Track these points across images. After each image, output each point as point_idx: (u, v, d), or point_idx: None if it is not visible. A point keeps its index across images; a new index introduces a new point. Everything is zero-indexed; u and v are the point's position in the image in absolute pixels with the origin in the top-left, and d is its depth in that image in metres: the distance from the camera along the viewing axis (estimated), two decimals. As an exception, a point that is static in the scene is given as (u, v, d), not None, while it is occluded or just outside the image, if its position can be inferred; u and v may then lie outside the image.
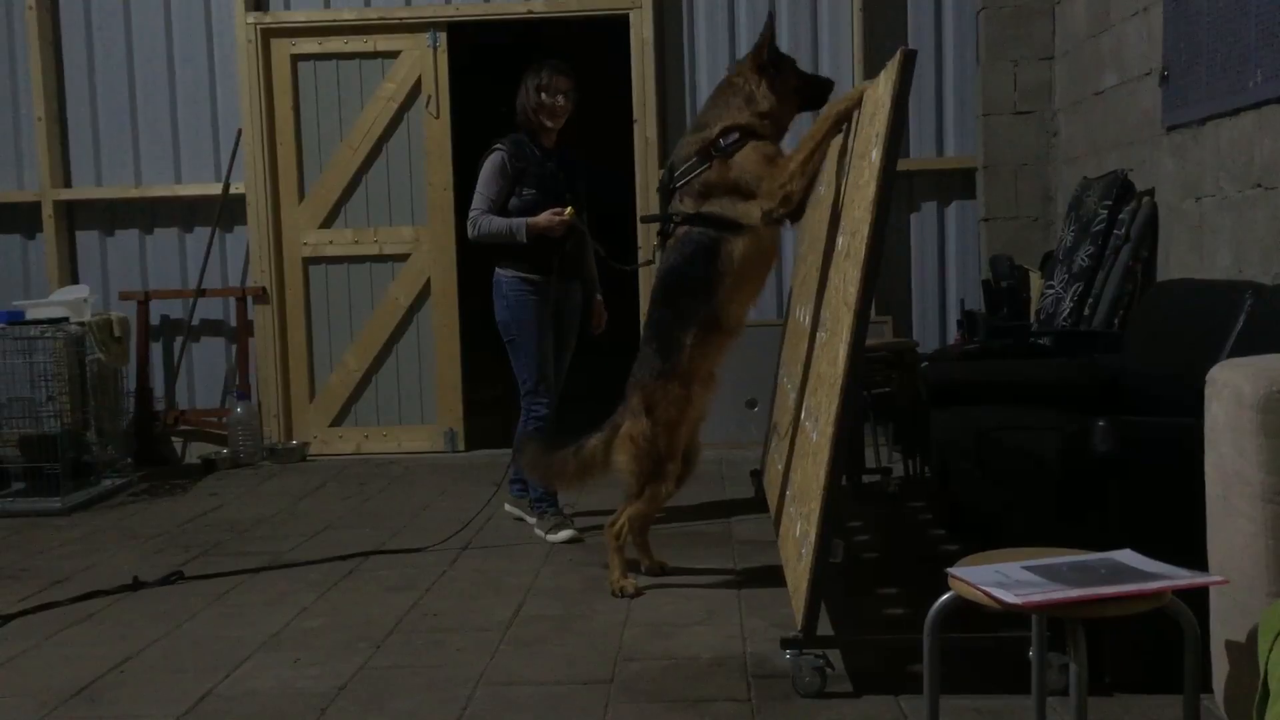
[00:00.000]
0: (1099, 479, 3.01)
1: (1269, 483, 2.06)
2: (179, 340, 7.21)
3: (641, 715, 3.03)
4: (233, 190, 7.03)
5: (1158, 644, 2.66)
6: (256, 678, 3.39)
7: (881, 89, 3.26)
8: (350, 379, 7.14)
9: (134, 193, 7.14)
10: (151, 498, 6.11)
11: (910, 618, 3.68)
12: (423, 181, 7.05)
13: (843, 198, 3.70)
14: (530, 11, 6.95)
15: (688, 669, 3.35)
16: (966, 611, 2.32)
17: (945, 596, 2.32)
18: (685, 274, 4.06)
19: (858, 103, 3.76)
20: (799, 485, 3.68)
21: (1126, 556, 2.32)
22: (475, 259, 5.51)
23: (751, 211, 3.96)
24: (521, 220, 4.82)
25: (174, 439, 7.24)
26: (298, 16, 7.01)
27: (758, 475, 5.48)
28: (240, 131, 7.00)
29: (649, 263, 5.15)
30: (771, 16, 4.33)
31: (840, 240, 3.59)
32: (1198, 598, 2.23)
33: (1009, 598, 2.12)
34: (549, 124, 4.93)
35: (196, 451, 7.12)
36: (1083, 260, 5.16)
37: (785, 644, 3.17)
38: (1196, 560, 2.28)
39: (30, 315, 5.92)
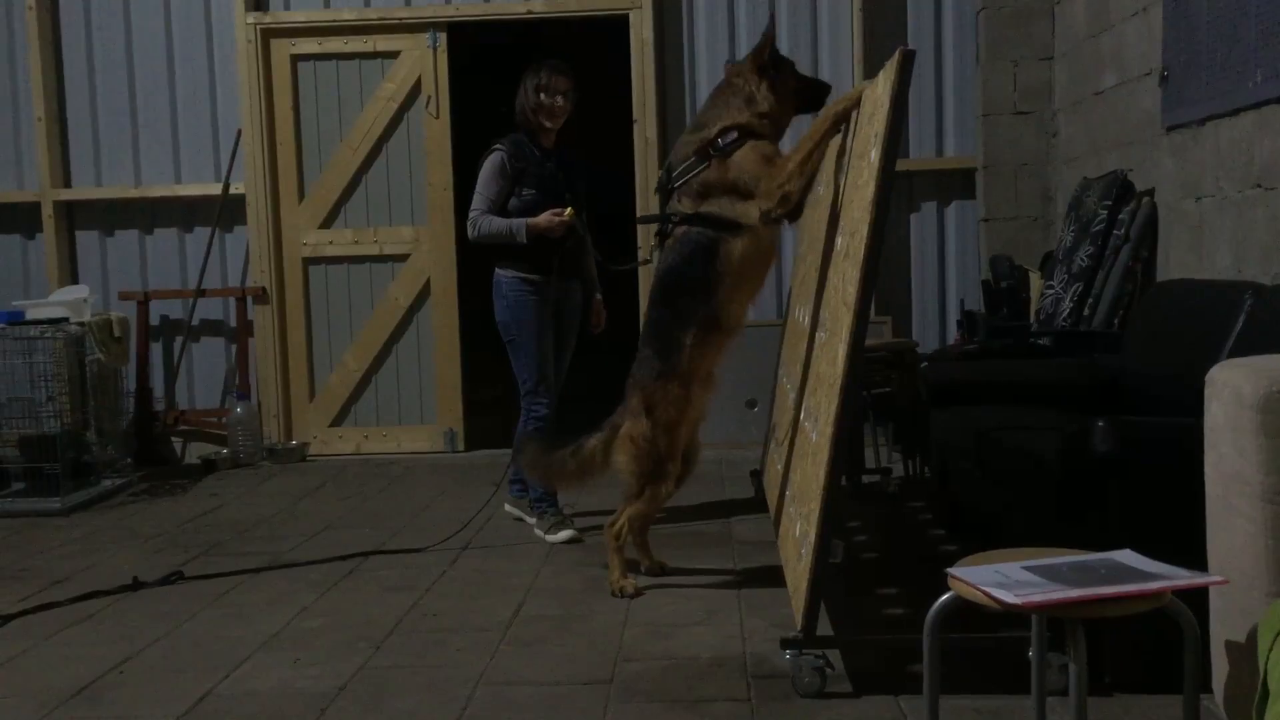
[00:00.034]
0: (1099, 479, 3.01)
1: (1269, 483, 2.06)
2: (179, 340, 7.21)
3: (641, 715, 3.03)
4: (232, 190, 7.04)
5: (1158, 644, 2.66)
6: (256, 678, 3.39)
7: (880, 89, 3.26)
8: (350, 379, 7.14)
9: (134, 193, 7.14)
10: (151, 498, 6.11)
11: (910, 618, 3.68)
12: (423, 182, 7.05)
13: (842, 198, 3.70)
14: (530, 12, 6.95)
15: (687, 669, 3.35)
16: (966, 611, 2.32)
17: (945, 597, 2.32)
18: (684, 274, 4.06)
19: (856, 103, 3.76)
20: (799, 485, 3.68)
21: (1126, 557, 2.32)
22: (475, 259, 5.51)
23: (750, 211, 3.96)
24: (521, 221, 4.83)
25: (174, 439, 7.24)
26: (297, 17, 7.01)
27: (757, 475, 5.48)
28: (240, 132, 7.00)
29: (646, 262, 5.15)
30: (773, 19, 4.33)
31: (839, 240, 3.59)
32: (1197, 598, 2.23)
33: (1009, 598, 2.12)
34: (548, 124, 4.93)
35: (196, 452, 7.12)
36: (1082, 260, 5.16)
37: (785, 644, 3.17)
38: (1196, 560, 2.28)
39: (30, 315, 5.92)
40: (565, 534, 4.88)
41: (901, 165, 6.36)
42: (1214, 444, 2.23)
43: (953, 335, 6.69)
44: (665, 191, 4.22)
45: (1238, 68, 4.16)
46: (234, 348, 7.18)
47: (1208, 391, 2.25)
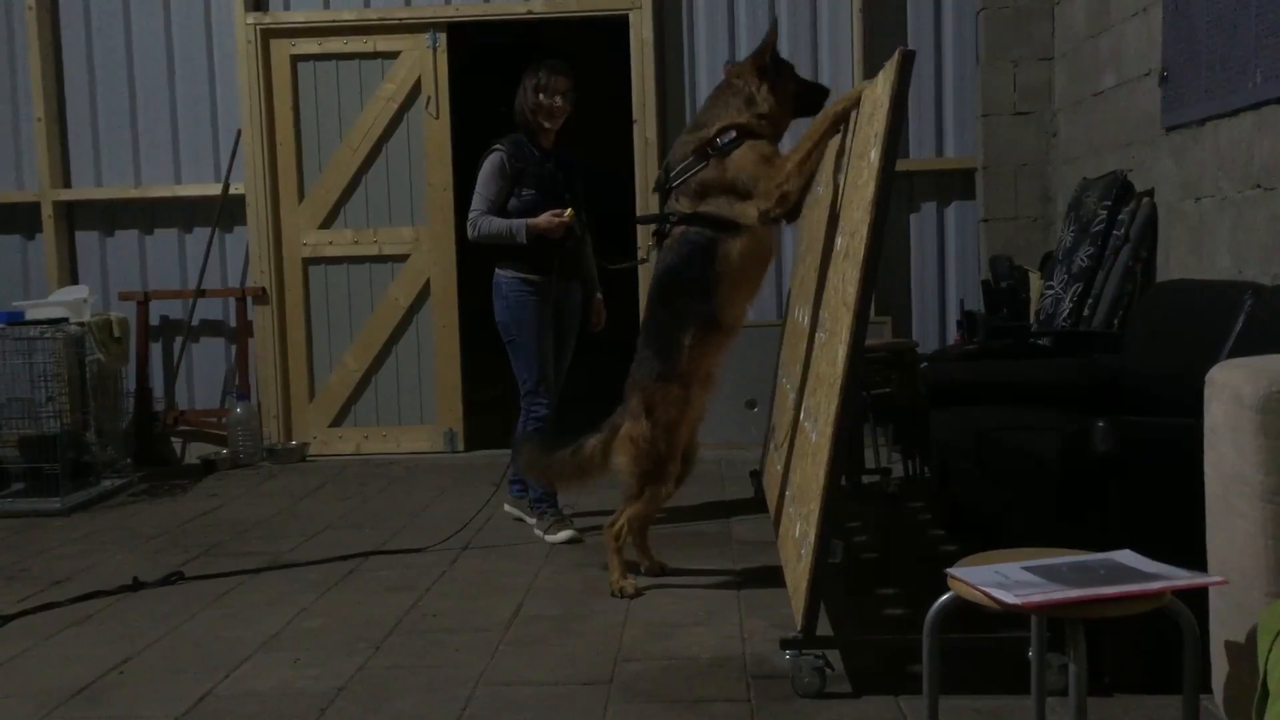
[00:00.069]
0: (1099, 479, 3.01)
1: (1268, 483, 2.06)
2: (179, 341, 7.21)
3: (641, 715, 3.03)
4: (232, 191, 7.04)
5: (1158, 644, 2.66)
6: (256, 678, 3.39)
7: (880, 89, 3.26)
8: (350, 379, 7.14)
9: (134, 193, 7.14)
10: (151, 498, 6.11)
11: (910, 618, 3.68)
12: (422, 182, 7.05)
13: (841, 198, 3.70)
14: (530, 12, 6.95)
15: (687, 669, 3.35)
16: (966, 612, 2.32)
17: (945, 597, 2.32)
18: (682, 274, 4.06)
19: (856, 103, 3.76)
20: (798, 485, 3.68)
21: (1126, 557, 2.32)
22: (475, 259, 5.51)
23: (748, 211, 3.95)
24: (521, 221, 4.83)
25: (173, 439, 7.24)
26: (297, 17, 7.02)
27: (757, 475, 5.49)
28: (240, 132, 7.00)
29: (643, 261, 5.15)
30: (775, 23, 4.34)
31: (839, 240, 3.59)
32: (1197, 598, 2.23)
33: (1008, 598, 2.12)
34: (547, 125, 4.93)
35: (196, 452, 7.12)
36: (1082, 261, 5.16)
37: (785, 644, 3.17)
38: (1196, 560, 2.28)
39: (30, 316, 5.92)
40: (565, 534, 4.88)
41: (901, 165, 6.36)
42: (1214, 444, 2.23)
43: (952, 335, 6.69)
44: (663, 191, 4.22)
45: (1237, 68, 4.16)
46: (234, 348, 7.18)
47: (1207, 392, 2.25)
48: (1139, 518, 2.93)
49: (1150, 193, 5.04)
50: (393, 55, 7.01)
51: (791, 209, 3.99)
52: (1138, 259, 5.01)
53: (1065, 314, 5.15)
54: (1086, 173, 5.77)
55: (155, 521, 5.54)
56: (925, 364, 5.40)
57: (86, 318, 6.08)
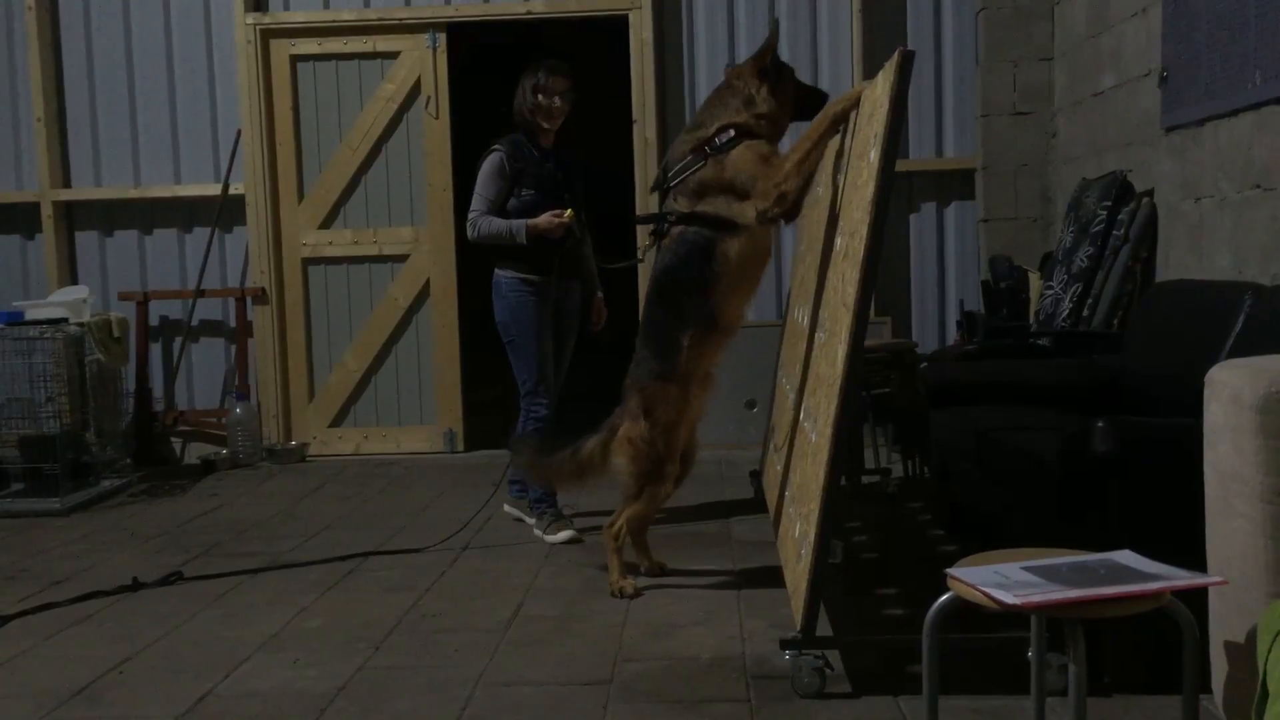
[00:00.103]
0: (1099, 479, 3.01)
1: (1268, 483, 2.06)
2: (178, 341, 7.21)
3: (640, 715, 3.03)
4: (232, 191, 7.04)
5: (1157, 645, 2.66)
6: (256, 678, 3.39)
7: (880, 89, 3.26)
8: (349, 379, 7.14)
9: (133, 193, 7.14)
10: (151, 498, 6.10)
11: (909, 618, 3.68)
12: (422, 182, 7.05)
13: (841, 198, 3.70)
14: (530, 12, 6.95)
15: (687, 669, 3.35)
16: (966, 612, 2.32)
17: (944, 597, 2.32)
18: (681, 274, 4.05)
19: (855, 103, 3.76)
20: (798, 486, 3.68)
21: (1125, 557, 2.32)
22: (475, 259, 5.51)
23: (746, 211, 3.95)
24: (521, 222, 4.82)
25: (173, 439, 7.24)
26: (297, 17, 7.02)
27: (757, 476, 5.48)
28: (240, 132, 7.00)
29: (640, 261, 5.15)
30: (776, 25, 4.34)
31: (839, 241, 3.59)
32: (1197, 598, 2.23)
33: (1008, 598, 2.12)
34: (546, 125, 4.93)
35: (196, 452, 7.12)
36: (1082, 261, 5.16)
37: (784, 644, 3.17)
38: (1196, 561, 2.28)
39: (30, 316, 5.92)
40: (565, 534, 4.88)
41: (901, 166, 6.36)
42: (1213, 444, 2.23)
43: (952, 336, 6.69)
44: (661, 190, 4.22)
45: (1237, 68, 4.16)
46: (233, 348, 7.18)
47: (1207, 392, 2.25)
48: (1139, 518, 2.93)
49: (1150, 193, 5.04)
50: (392, 55, 7.01)
51: (790, 209, 3.98)
52: (1137, 259, 5.01)
53: (1065, 314, 5.15)
54: (1086, 173, 5.77)
55: (155, 522, 5.53)
56: (925, 364, 5.40)
57: (86, 318, 6.08)
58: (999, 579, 2.22)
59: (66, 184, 7.18)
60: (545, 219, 4.79)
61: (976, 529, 4.06)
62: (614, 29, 6.95)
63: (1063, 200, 6.13)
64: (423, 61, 6.98)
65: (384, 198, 7.08)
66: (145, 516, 5.66)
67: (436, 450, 7.12)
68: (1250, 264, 4.15)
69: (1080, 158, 6.01)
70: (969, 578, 2.24)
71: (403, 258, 7.09)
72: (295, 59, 7.04)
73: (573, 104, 4.98)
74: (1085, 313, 5.08)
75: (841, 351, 3.14)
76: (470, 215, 4.94)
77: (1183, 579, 2.17)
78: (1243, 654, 2.11)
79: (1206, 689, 2.30)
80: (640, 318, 4.33)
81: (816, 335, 3.82)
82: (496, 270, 4.98)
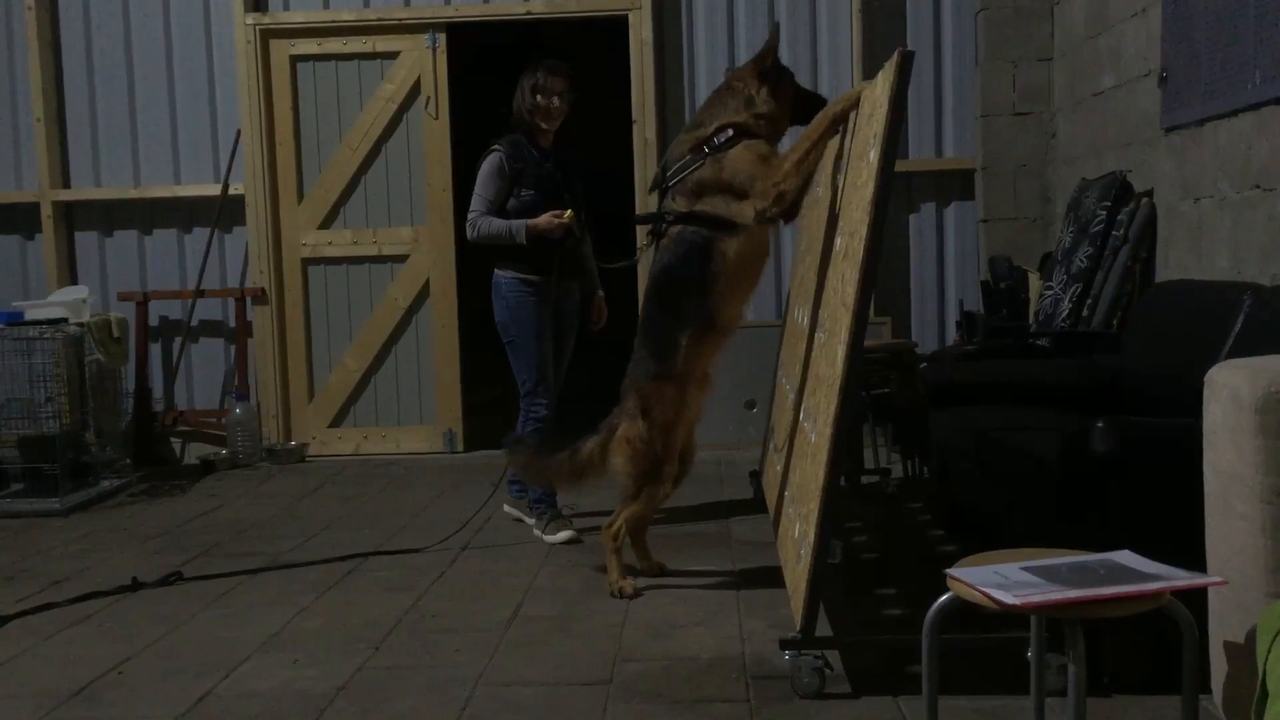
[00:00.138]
0: (1098, 479, 3.01)
1: (1267, 483, 2.06)
2: (178, 341, 7.21)
3: (640, 716, 3.03)
4: (232, 191, 7.04)
5: (1157, 645, 2.66)
6: (255, 678, 3.39)
7: (879, 89, 3.26)
8: (349, 380, 7.14)
9: (133, 193, 7.14)
10: (150, 498, 6.10)
11: (909, 618, 3.67)
12: (422, 182, 7.05)
13: (841, 199, 3.70)
14: (529, 12, 6.96)
15: (686, 669, 3.35)
16: (965, 612, 2.32)
17: (944, 597, 2.32)
18: (679, 274, 4.05)
19: (855, 104, 3.75)
20: (798, 486, 3.68)
21: (1125, 557, 2.32)
22: (474, 259, 5.51)
23: (745, 210, 3.94)
24: (521, 222, 4.82)
25: (173, 440, 7.24)
26: (297, 17, 7.02)
27: (756, 476, 5.48)
28: (239, 132, 7.00)
29: (636, 260, 5.15)
30: (777, 27, 4.34)
31: (838, 241, 3.59)
32: (1196, 598, 2.23)
33: (1007, 598, 2.12)
34: (544, 125, 4.93)
35: (195, 452, 7.12)
36: (1081, 261, 5.17)
37: (784, 644, 3.17)
38: (1195, 561, 2.28)
39: (29, 316, 5.92)
40: (564, 534, 4.88)
41: (900, 166, 6.37)
42: (1213, 444, 2.23)
43: (952, 336, 6.69)
44: (660, 190, 4.22)
45: (1236, 69, 4.16)
46: (233, 348, 7.18)
47: (1207, 392, 2.25)
48: (1138, 518, 2.93)
49: (1149, 193, 5.04)
50: (392, 56, 7.01)
51: (788, 208, 3.97)
52: (1137, 259, 5.01)
53: (1064, 314, 5.15)
54: (1086, 173, 5.77)
55: (154, 522, 5.53)
56: (924, 364, 5.40)
57: (86, 318, 6.08)
58: (999, 579, 2.22)
59: (66, 184, 7.18)
60: (545, 219, 4.79)
61: (976, 529, 4.06)
62: (614, 29, 6.95)
63: (1062, 200, 6.13)
64: (422, 62, 6.98)
65: (384, 198, 7.08)
66: (145, 517, 5.66)
67: (436, 450, 7.12)
68: (1249, 264, 4.15)
69: (1080, 158, 6.01)
70: (969, 578, 2.24)
71: (402, 258, 7.09)
72: (295, 59, 7.04)
73: (572, 104, 4.98)
74: (1085, 313, 5.08)
75: (841, 352, 3.14)
76: (470, 215, 4.94)
77: (1182, 579, 2.17)
78: (1242, 654, 2.11)
79: (1206, 689, 2.30)
80: (639, 318, 4.32)
81: (816, 335, 3.82)
82: (496, 270, 4.98)
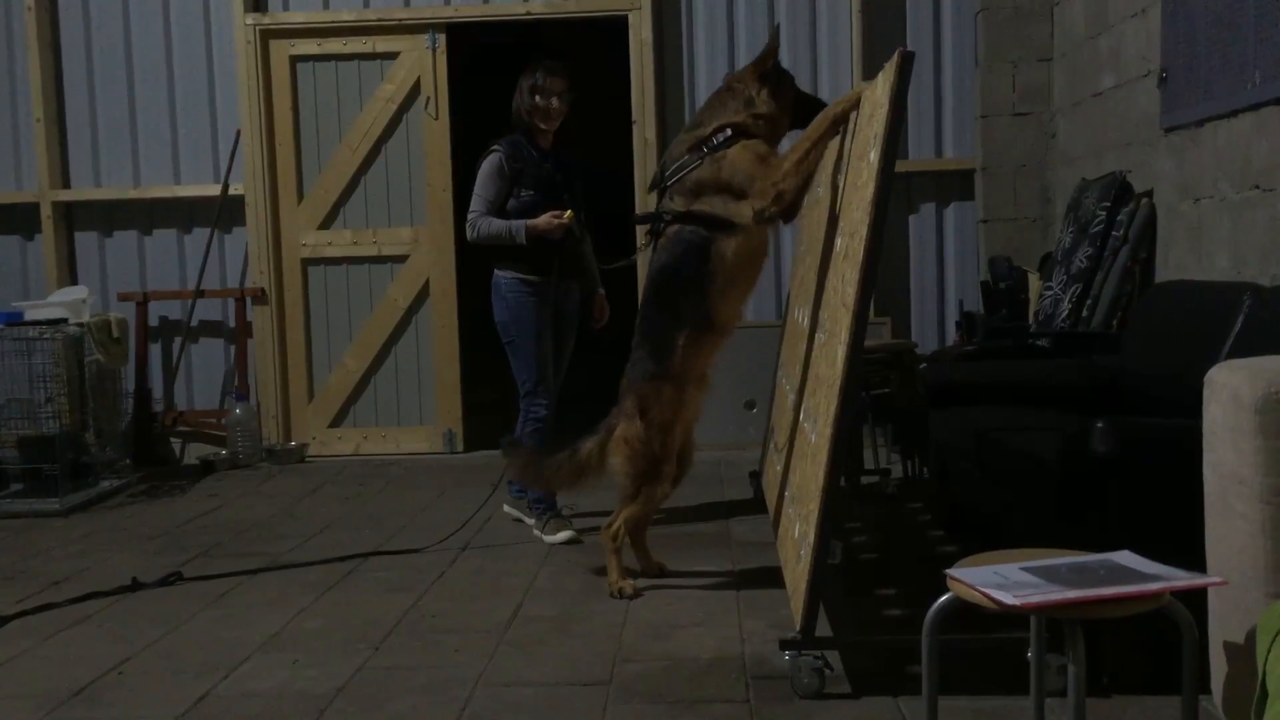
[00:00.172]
0: (1098, 480, 3.01)
1: (1267, 484, 2.06)
2: (178, 341, 7.21)
3: (640, 716, 3.03)
4: (231, 191, 7.04)
5: (1157, 645, 2.66)
6: (255, 679, 3.39)
7: (880, 90, 3.26)
8: (349, 380, 7.14)
9: (133, 194, 7.14)
10: (150, 499, 6.10)
11: (909, 619, 3.68)
12: (422, 182, 7.05)
13: (841, 199, 3.70)
14: (529, 13, 6.96)
15: (686, 670, 3.35)
16: (965, 612, 2.32)
17: (944, 597, 2.32)
18: (676, 274, 4.05)
19: (855, 104, 3.75)
20: (798, 486, 3.68)
21: (1125, 558, 2.32)
22: (474, 260, 5.51)
23: (743, 210, 3.93)
24: (521, 222, 4.82)
25: (173, 440, 7.24)
26: (296, 18, 7.02)
27: (756, 476, 5.49)
28: (239, 132, 7.00)
29: (634, 260, 5.15)
30: (777, 29, 4.34)
31: (839, 241, 3.60)
32: (1196, 599, 2.23)
33: (1007, 599, 2.12)
34: (543, 126, 4.93)
35: (195, 452, 7.12)
36: (1081, 261, 5.17)
37: (784, 645, 3.17)
38: (1195, 561, 2.28)
39: (29, 316, 5.92)
40: (564, 535, 4.88)
41: (900, 166, 6.36)
42: (1213, 445, 2.23)
43: (952, 336, 6.69)
44: (659, 190, 4.21)
45: (1236, 69, 4.16)
46: (233, 348, 7.18)
47: (1206, 393, 2.25)
48: (1138, 518, 2.93)
49: (1149, 193, 5.04)
50: (392, 56, 7.02)
51: (787, 208, 3.96)
52: (1136, 260, 5.01)
53: (1064, 315, 5.15)
54: (1085, 173, 5.77)
55: (154, 522, 5.53)
56: (924, 364, 5.40)
57: (85, 318, 6.08)
58: (998, 579, 2.22)
59: (66, 184, 7.18)
60: (545, 219, 4.79)
61: (976, 529, 4.06)
62: (614, 29, 6.95)
63: (1062, 201, 6.13)
64: (422, 62, 6.98)
65: (383, 198, 7.08)
66: (145, 517, 5.66)
67: (436, 451, 7.12)
68: (1249, 264, 4.15)
69: (1079, 158, 6.01)
70: (968, 578, 2.24)
71: (402, 258, 7.09)
72: (295, 59, 7.04)
73: (571, 105, 4.98)
74: (1084, 313, 5.09)
75: (841, 352, 3.14)
76: (470, 216, 4.94)
77: (1182, 579, 2.17)
78: (1242, 654, 2.11)
79: (1206, 689, 2.30)
80: (637, 317, 4.32)
81: (816, 336, 3.82)
82: (496, 271, 4.98)
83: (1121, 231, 5.05)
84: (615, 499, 4.29)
